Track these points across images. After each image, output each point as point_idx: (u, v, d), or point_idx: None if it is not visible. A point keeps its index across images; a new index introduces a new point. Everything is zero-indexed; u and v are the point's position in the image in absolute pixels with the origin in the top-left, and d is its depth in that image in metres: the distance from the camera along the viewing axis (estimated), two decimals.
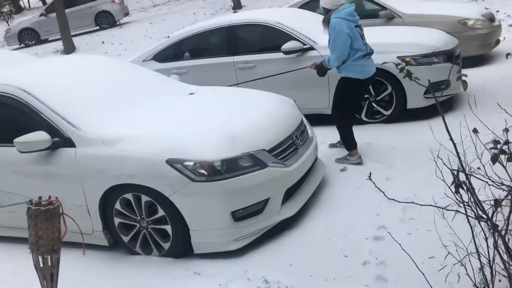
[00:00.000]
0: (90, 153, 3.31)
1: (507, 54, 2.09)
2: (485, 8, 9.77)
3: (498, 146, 1.59)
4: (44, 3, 34.21)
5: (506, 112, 2.32)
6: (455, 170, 1.72)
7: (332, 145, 4.82)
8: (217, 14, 16.15)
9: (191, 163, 3.08)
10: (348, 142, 4.40)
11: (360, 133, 5.04)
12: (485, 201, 1.96)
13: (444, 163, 2.08)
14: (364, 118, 5.33)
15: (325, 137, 4.91)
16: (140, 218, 3.31)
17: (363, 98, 4.53)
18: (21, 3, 34.10)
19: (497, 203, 1.68)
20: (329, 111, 4.84)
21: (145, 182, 3.14)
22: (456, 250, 2.29)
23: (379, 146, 4.64)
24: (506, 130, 1.68)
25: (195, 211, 3.13)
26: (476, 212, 1.88)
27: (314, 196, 3.78)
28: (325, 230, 3.32)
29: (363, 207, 3.53)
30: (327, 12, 4.24)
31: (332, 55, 4.16)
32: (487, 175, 2.02)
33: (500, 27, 7.48)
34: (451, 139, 1.79)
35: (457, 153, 1.77)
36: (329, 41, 4.24)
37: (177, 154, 3.12)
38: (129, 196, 3.27)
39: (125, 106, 3.74)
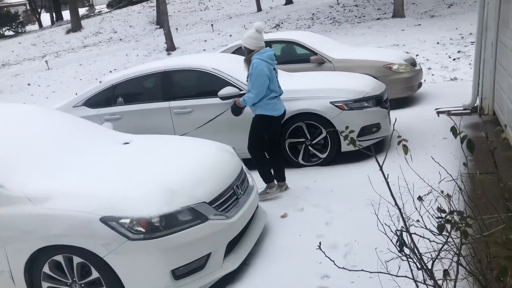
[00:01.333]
0: (14, 213, 3.04)
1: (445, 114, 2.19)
2: (406, 52, 10.52)
3: (443, 215, 1.64)
4: None
5: (437, 163, 2.43)
6: (398, 230, 1.75)
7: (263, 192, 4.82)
8: (150, 55, 16.09)
9: (127, 221, 2.93)
10: (264, 176, 4.71)
11: (298, 177, 5.13)
12: (426, 252, 2.01)
13: (385, 223, 2.11)
14: (301, 161, 5.42)
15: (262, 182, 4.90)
16: (72, 281, 3.07)
17: (276, 135, 4.78)
18: None
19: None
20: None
21: (77, 242, 2.93)
22: None
23: (317, 190, 4.71)
24: (448, 195, 1.75)
25: (133, 272, 2.95)
26: (418, 266, 1.91)
27: (256, 245, 3.72)
28: (269, 282, 3.25)
29: (305, 255, 3.51)
30: (249, 53, 4.58)
31: (251, 94, 4.49)
32: (425, 227, 2.08)
33: (422, 71, 8.03)
34: (396, 204, 1.83)
35: (400, 211, 1.80)
36: (247, 79, 4.59)
37: (112, 211, 2.95)
38: (59, 258, 3.02)
39: (54, 159, 3.51)
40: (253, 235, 3.68)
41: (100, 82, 6.40)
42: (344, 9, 18.85)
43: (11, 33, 31.47)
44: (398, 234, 1.73)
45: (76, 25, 25.31)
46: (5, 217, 3.05)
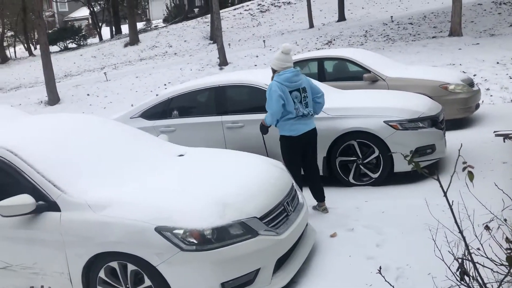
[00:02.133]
0: (75, 219, 3.20)
1: (504, 138, 2.12)
2: (463, 72, 10.20)
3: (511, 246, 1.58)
4: (30, 53, 34.63)
5: (500, 190, 2.34)
6: (461, 258, 1.70)
7: (314, 208, 4.80)
8: (203, 70, 16.47)
9: (181, 231, 3.00)
10: None
11: (349, 196, 5.06)
12: (487, 283, 1.93)
13: (450, 251, 2.05)
14: (352, 181, 5.35)
15: (313, 199, 4.88)
16: None
17: (303, 154, 4.71)
18: (7, 52, 34.38)
19: None
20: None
21: (132, 250, 3.03)
22: None
23: (368, 211, 4.62)
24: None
25: (184, 282, 3.01)
26: None
27: (305, 264, 3.69)
28: None
29: (355, 277, 3.46)
30: (273, 73, 4.68)
31: (268, 113, 4.62)
32: (486, 255, 2.00)
33: (479, 92, 7.76)
34: (461, 232, 1.78)
35: (464, 239, 1.75)
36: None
37: (167, 221, 3.03)
38: (114, 264, 3.14)
39: (113, 169, 3.67)
40: (302, 253, 3.66)
41: (157, 95, 6.63)
42: (398, 27, 18.56)
43: (74, 45, 33.18)
44: (459, 261, 1.68)
45: (133, 39, 26.36)
46: (67, 222, 3.21)
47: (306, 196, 4.31)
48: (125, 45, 26.43)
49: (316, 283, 3.48)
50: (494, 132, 6.49)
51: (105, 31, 38.59)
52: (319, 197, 4.80)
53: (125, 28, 32.69)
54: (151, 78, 16.47)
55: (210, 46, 22.15)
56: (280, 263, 3.37)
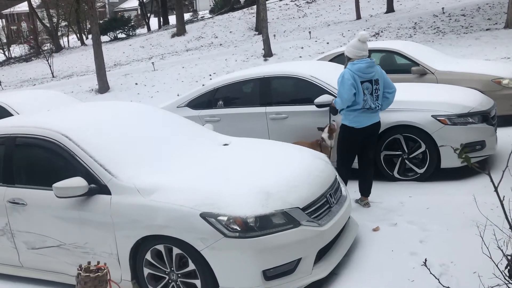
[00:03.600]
0: (125, 202, 3.34)
1: None
2: None
3: None
4: (82, 43, 35.89)
5: None
6: (510, 255, 1.66)
7: (356, 201, 4.77)
8: (248, 61, 16.54)
9: (225, 218, 3.07)
10: None
11: (393, 191, 5.00)
12: None
13: (499, 248, 2.01)
14: (396, 175, 5.27)
15: (357, 192, 4.85)
16: (170, 270, 3.29)
17: (362, 147, 4.64)
18: (61, 42, 35.79)
19: None
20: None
21: (177, 234, 3.14)
22: None
23: (413, 206, 4.55)
24: None
25: (226, 267, 3.09)
26: None
27: (346, 256, 3.69)
28: None
29: (397, 272, 3.43)
30: (348, 60, 4.58)
31: (338, 99, 4.58)
32: None
33: None
34: (511, 227, 1.74)
35: None
36: None
37: (211, 208, 3.11)
38: (160, 247, 3.26)
39: (161, 155, 3.79)
40: (344, 245, 3.66)
41: (203, 85, 6.74)
42: (450, 19, 17.91)
43: (123, 35, 34.09)
44: (509, 258, 1.64)
45: (180, 30, 26.75)
46: (117, 205, 3.35)
47: (349, 189, 4.29)
48: (172, 36, 26.87)
49: (356, 276, 3.47)
50: None
51: (153, 21, 39.39)
52: (365, 192, 4.75)
53: (172, 19, 33.22)
54: (196, 69, 16.71)
55: (255, 37, 22.18)
56: (321, 254, 3.39)
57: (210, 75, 15.40)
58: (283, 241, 3.12)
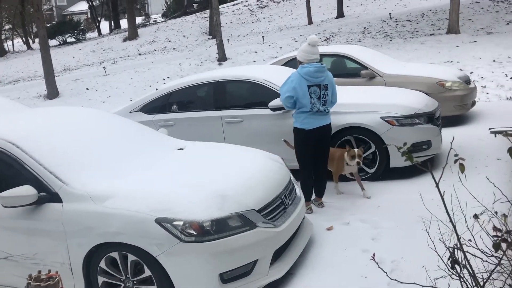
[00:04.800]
0: (77, 209, 3.25)
1: (496, 134, 2.18)
2: (460, 69, 10.27)
3: (499, 234, 1.65)
4: (28, 46, 34.53)
5: (491, 182, 2.41)
6: (451, 247, 1.77)
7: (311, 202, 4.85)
8: (202, 65, 16.49)
9: (181, 223, 3.06)
10: (303, 192, 4.51)
11: (345, 190, 5.14)
12: (477, 273, 2.00)
13: (442, 241, 2.12)
14: (348, 175, 5.42)
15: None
16: (125, 278, 3.23)
17: (313, 149, 4.71)
18: (5, 45, 34.27)
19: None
20: None
21: (132, 241, 3.09)
22: None
23: (364, 205, 4.70)
24: (505, 215, 1.76)
25: (183, 272, 3.07)
26: (468, 285, 1.91)
27: (302, 256, 3.76)
28: None
29: (350, 269, 3.53)
30: (299, 64, 4.68)
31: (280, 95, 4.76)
32: (477, 247, 2.07)
33: (476, 89, 7.83)
34: (451, 221, 1.85)
35: (455, 228, 1.82)
36: None
37: (167, 213, 3.09)
38: (115, 254, 3.20)
39: (113, 161, 3.73)
40: (299, 245, 3.73)
41: (156, 89, 6.67)
42: (397, 24, 18.61)
43: (72, 40, 33.10)
44: (451, 251, 1.74)
45: (132, 34, 26.31)
46: (68, 213, 3.26)
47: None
48: (124, 40, 26.39)
49: (312, 275, 3.55)
50: (490, 129, 6.58)
51: (104, 25, 38.48)
52: (319, 192, 4.85)
53: (124, 23, 32.58)
54: (150, 73, 16.49)
55: (209, 42, 22.15)
56: (278, 255, 3.44)
57: (164, 79, 15.24)
58: (240, 244, 3.14)
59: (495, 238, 1.68)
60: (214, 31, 18.26)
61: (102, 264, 3.25)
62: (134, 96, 12.91)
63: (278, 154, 4.55)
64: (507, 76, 10.28)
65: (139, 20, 35.84)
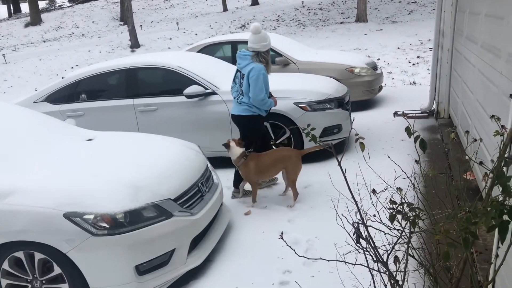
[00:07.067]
0: None
1: (394, 114, 2.32)
2: (368, 56, 10.83)
3: (394, 207, 1.75)
4: None
5: (393, 162, 2.57)
6: (355, 223, 1.86)
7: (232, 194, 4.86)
8: (113, 52, 15.83)
9: (92, 216, 2.93)
10: (234, 177, 4.72)
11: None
12: (381, 246, 2.13)
13: (343, 216, 2.21)
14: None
15: (229, 180, 4.97)
16: (33, 278, 3.04)
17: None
18: None
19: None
20: None
21: (39, 238, 2.90)
22: None
23: (280, 189, 4.81)
24: (400, 188, 1.88)
25: (96, 267, 2.95)
26: (373, 258, 2.02)
27: (220, 242, 3.78)
28: (232, 278, 3.32)
29: (268, 251, 3.60)
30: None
31: None
32: (381, 221, 2.20)
33: (382, 75, 8.30)
34: (353, 197, 1.94)
35: (356, 204, 1.91)
36: None
37: (76, 207, 2.94)
38: (20, 254, 2.99)
39: (16, 155, 3.46)
40: (217, 232, 3.74)
41: (62, 78, 6.29)
42: (309, 12, 19.15)
43: None
44: (355, 226, 1.83)
45: (35, 19, 24.54)
46: None
47: (221, 177, 4.37)
48: (26, 25, 24.56)
49: (231, 260, 3.58)
50: (394, 112, 7.04)
51: (2, 9, 35.45)
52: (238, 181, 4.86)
53: (25, 7, 30.25)
54: (56, 61, 15.51)
55: (121, 28, 21.30)
56: (195, 243, 3.43)
57: (72, 67, 14.44)
58: (156, 234, 3.08)
59: (391, 211, 1.79)
60: (126, 16, 17.58)
61: (5, 265, 3.02)
62: (40, 85, 12.09)
63: (194, 141, 4.50)
64: (410, 62, 11.03)
65: (42, 4, 33.46)
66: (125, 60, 6.27)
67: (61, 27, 23.86)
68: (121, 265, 2.98)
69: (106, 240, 2.92)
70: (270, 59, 4.59)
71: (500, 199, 1.52)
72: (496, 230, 1.52)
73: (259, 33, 4.46)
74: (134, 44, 15.83)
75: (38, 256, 2.97)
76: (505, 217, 1.48)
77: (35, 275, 3.02)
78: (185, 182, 3.50)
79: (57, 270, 2.97)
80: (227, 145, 4.46)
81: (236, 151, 4.42)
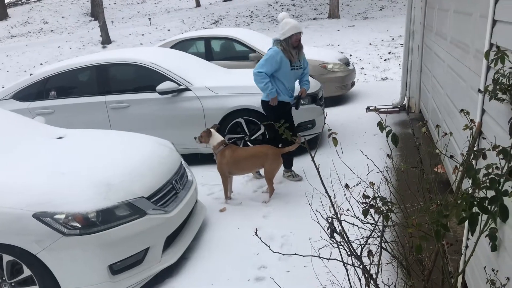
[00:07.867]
0: None
1: (367, 109, 2.34)
2: (341, 52, 10.93)
3: (367, 201, 1.77)
4: None
5: (365, 155, 2.59)
6: (330, 217, 1.87)
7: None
8: (84, 48, 15.52)
9: (62, 216, 2.86)
10: None
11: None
12: (355, 240, 2.15)
13: (317, 211, 2.22)
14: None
15: (204, 177, 4.94)
16: (1, 281, 2.95)
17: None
18: None
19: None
20: (206, 150, 4.96)
21: (7, 240, 2.81)
22: None
23: (255, 185, 4.81)
24: (372, 183, 1.89)
25: (68, 268, 2.88)
26: (347, 252, 2.04)
27: (196, 239, 3.76)
28: (208, 275, 3.30)
29: (243, 248, 3.60)
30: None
31: None
32: (355, 216, 2.22)
33: (354, 71, 8.39)
34: (326, 192, 1.95)
35: (330, 198, 1.92)
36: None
37: (46, 206, 2.86)
38: None
39: None
40: (192, 229, 3.71)
41: (31, 74, 6.12)
42: (282, 8, 19.19)
43: None
44: (329, 221, 1.85)
45: (1, 13, 23.82)
46: None
47: (196, 174, 4.34)
48: None
49: (206, 257, 3.56)
50: (366, 107, 7.13)
51: None
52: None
53: None
54: (24, 57, 15.10)
55: (91, 23, 20.90)
56: (170, 241, 3.39)
57: (42, 64, 14.08)
58: (129, 233, 3.03)
59: (364, 205, 1.81)
60: (96, 12, 17.26)
61: None
62: (7, 82, 11.74)
63: (168, 138, 4.45)
64: (381, 58, 11.18)
65: None
66: (96, 56, 6.14)
67: (29, 23, 23.23)
68: (94, 265, 2.92)
69: (78, 240, 2.86)
70: (289, 47, 4.76)
71: (470, 191, 1.56)
72: (467, 222, 1.56)
73: (281, 21, 4.74)
74: (105, 40, 15.54)
75: (6, 258, 2.88)
76: (475, 209, 1.51)
77: (3, 278, 2.94)
78: (159, 180, 3.46)
79: (27, 272, 2.89)
80: (208, 132, 4.45)
81: (217, 137, 4.45)
